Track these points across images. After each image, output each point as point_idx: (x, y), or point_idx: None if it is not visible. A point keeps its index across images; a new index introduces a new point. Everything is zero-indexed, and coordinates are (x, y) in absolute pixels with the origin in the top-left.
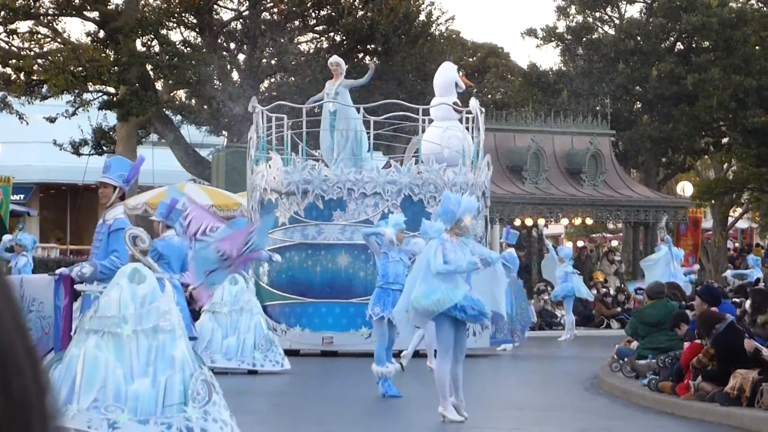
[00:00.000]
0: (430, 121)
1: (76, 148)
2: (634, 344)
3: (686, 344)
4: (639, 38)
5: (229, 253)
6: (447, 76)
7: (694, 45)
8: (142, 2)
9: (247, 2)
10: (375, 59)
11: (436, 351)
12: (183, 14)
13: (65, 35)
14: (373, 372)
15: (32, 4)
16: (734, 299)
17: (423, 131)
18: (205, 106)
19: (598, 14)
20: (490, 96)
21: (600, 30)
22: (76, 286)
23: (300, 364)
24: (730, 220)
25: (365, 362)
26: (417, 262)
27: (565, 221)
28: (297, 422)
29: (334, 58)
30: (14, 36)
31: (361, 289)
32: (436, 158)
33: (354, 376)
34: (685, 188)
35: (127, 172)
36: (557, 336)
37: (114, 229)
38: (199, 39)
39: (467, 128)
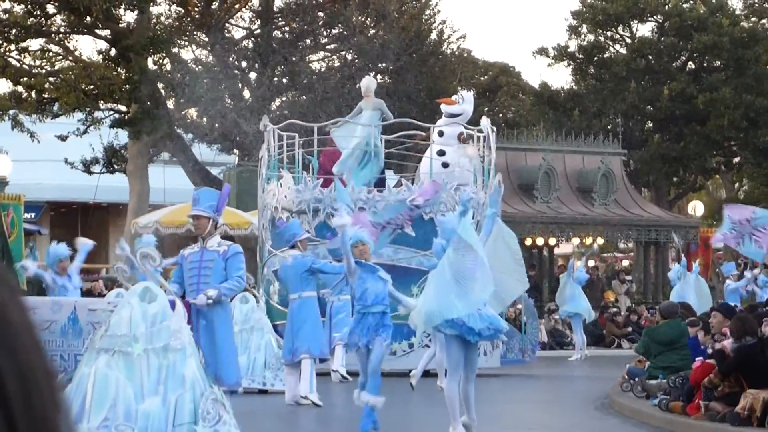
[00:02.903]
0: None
1: (87, 166)
2: (646, 364)
3: (696, 363)
4: (650, 57)
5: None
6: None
7: (705, 64)
8: (154, 20)
9: (259, 21)
10: (386, 78)
11: (446, 371)
12: (194, 32)
13: (77, 53)
14: (359, 401)
15: (44, 22)
16: None
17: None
18: (216, 125)
19: (609, 33)
20: (501, 115)
21: (611, 49)
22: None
23: None
24: None
25: None
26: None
27: (576, 241)
28: None
29: (364, 81)
30: (26, 54)
31: None
32: (446, 177)
33: None
34: (696, 208)
35: (215, 201)
36: (568, 356)
37: (233, 254)
38: (211, 57)
39: (478, 147)
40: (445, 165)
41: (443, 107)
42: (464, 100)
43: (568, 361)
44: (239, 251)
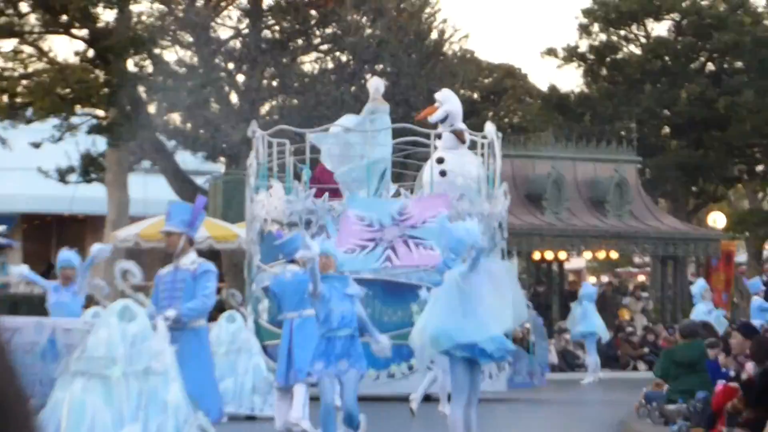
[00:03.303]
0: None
1: (62, 175)
2: (664, 388)
3: (718, 387)
4: (667, 58)
5: None
6: (457, 102)
7: (726, 65)
8: (134, 19)
9: (247, 19)
10: (384, 80)
11: (450, 395)
12: (178, 32)
13: (52, 54)
14: None
15: (16, 21)
16: None
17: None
18: (201, 131)
19: (623, 32)
20: (507, 120)
21: (625, 49)
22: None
23: None
24: (766, 253)
25: (373, 407)
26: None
27: (587, 255)
28: None
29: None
30: None
31: None
32: (448, 188)
33: None
34: (717, 219)
35: (189, 216)
36: (580, 378)
37: (201, 272)
38: (196, 59)
39: (482, 155)
40: (443, 173)
41: (430, 119)
42: (443, 101)
43: (580, 385)
44: (209, 269)
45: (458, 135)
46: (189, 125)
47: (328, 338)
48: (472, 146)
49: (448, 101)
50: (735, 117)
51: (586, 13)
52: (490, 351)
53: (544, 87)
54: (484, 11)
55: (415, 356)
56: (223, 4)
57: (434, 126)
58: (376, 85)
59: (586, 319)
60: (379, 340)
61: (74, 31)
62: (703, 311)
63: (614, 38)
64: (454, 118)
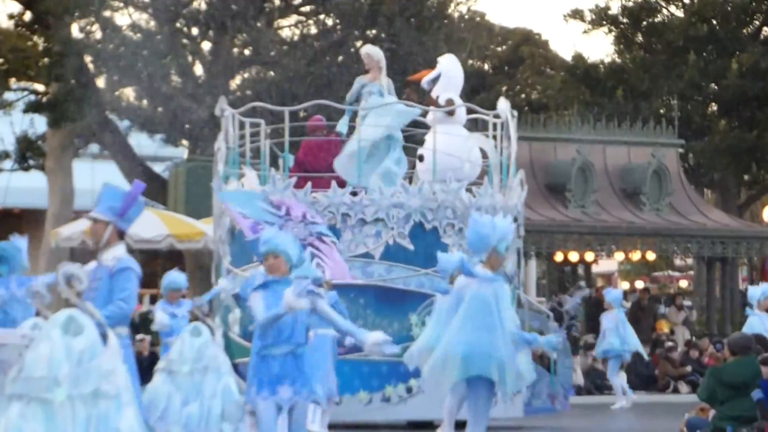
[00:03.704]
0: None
1: None
2: (710, 413)
3: None
4: (714, 22)
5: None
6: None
7: None
8: None
9: None
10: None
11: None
12: None
13: None
14: None
15: None
16: None
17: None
18: (160, 109)
19: None
20: (524, 95)
21: (665, 11)
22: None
23: None
24: None
25: None
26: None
27: (620, 256)
28: None
29: (369, 48)
30: None
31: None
32: (455, 175)
33: None
34: None
35: (119, 202)
36: (610, 402)
37: (118, 269)
38: (153, 23)
39: (494, 137)
40: (421, 158)
41: (423, 84)
42: (441, 64)
43: (609, 410)
44: (127, 266)
45: (431, 102)
46: (145, 102)
47: (262, 357)
48: (484, 127)
49: (443, 63)
50: None
51: None
52: (509, 384)
53: (567, 56)
54: None
55: (426, 381)
56: None
57: (427, 102)
58: (369, 52)
59: (615, 336)
60: (365, 340)
61: None
62: (757, 323)
63: None
64: (447, 84)
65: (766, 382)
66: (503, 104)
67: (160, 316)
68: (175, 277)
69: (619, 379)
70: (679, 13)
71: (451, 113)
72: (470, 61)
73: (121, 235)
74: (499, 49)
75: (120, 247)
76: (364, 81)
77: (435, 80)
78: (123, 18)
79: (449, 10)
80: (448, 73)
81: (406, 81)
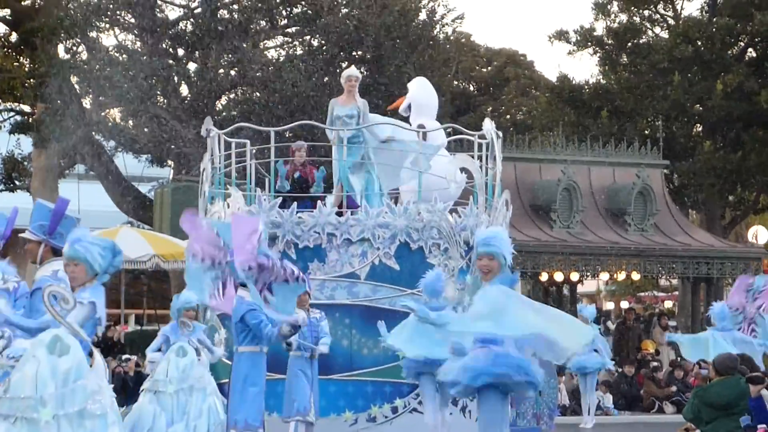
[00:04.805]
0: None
1: None
2: None
3: (760, 430)
4: (699, 43)
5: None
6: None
7: None
8: None
9: None
10: (363, 69)
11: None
12: (118, 12)
13: None
14: None
15: None
16: None
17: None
18: (146, 129)
19: (647, 12)
20: (509, 116)
21: (650, 33)
22: None
23: None
24: None
25: None
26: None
27: (605, 276)
28: None
29: (352, 72)
30: None
31: (344, 361)
32: (440, 196)
33: None
34: (759, 234)
35: (47, 221)
36: (596, 423)
37: (36, 288)
38: (138, 44)
39: (479, 157)
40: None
41: (400, 112)
42: (409, 90)
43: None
44: (39, 287)
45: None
46: (131, 123)
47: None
48: (469, 147)
49: (414, 91)
50: None
51: None
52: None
53: (553, 77)
54: None
55: (458, 390)
56: None
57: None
58: (351, 75)
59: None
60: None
61: None
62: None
63: (637, 19)
64: (418, 110)
65: (753, 401)
66: (488, 125)
67: (152, 356)
68: (188, 297)
69: (593, 398)
70: (664, 35)
71: (424, 137)
72: (455, 82)
73: (55, 252)
74: (485, 69)
75: (53, 264)
76: (337, 104)
77: (409, 107)
78: (109, 39)
79: (435, 32)
80: (417, 100)
81: (385, 109)
